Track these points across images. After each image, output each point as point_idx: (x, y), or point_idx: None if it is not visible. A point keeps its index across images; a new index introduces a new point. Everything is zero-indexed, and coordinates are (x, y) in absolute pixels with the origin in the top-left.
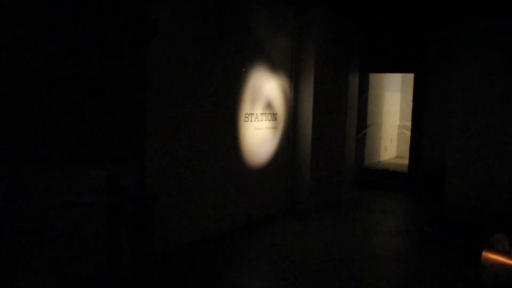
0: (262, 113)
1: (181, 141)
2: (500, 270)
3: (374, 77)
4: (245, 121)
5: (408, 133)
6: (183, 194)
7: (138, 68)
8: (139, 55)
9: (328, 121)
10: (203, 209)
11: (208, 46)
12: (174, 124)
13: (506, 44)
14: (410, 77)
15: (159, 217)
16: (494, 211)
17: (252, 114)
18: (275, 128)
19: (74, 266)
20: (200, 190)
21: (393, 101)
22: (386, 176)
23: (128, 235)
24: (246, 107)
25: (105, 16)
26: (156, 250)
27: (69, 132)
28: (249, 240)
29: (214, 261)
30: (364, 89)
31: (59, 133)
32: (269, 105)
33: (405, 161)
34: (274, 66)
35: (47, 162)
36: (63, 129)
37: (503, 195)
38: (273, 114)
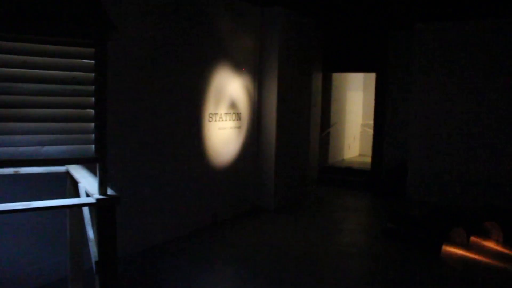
0: (226, 113)
1: (144, 141)
2: (458, 262)
3: (337, 77)
4: (209, 121)
5: (370, 132)
6: (148, 195)
7: (98, 67)
8: (99, 55)
9: (292, 120)
10: (168, 210)
11: (171, 46)
12: (136, 124)
13: (459, 44)
14: (372, 76)
15: (123, 219)
16: (455, 206)
17: (216, 114)
18: (239, 127)
19: (35, 270)
20: (165, 190)
21: (355, 100)
22: (349, 174)
23: (91, 237)
24: (210, 107)
25: (61, 13)
26: (121, 252)
27: (27, 131)
28: (215, 239)
29: (180, 262)
30: (327, 88)
31: (18, 132)
32: (233, 105)
33: (368, 159)
34: (238, 66)
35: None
36: (21, 128)
37: (464, 191)
38: (237, 113)
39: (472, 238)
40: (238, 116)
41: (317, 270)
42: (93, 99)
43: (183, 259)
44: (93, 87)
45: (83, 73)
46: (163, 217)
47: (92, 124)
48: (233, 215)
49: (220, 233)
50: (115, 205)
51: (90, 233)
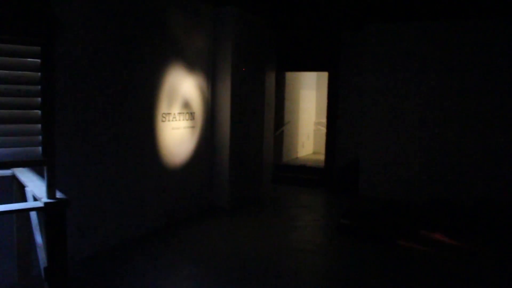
0: (179, 113)
1: (96, 142)
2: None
3: (290, 76)
4: (163, 121)
5: (323, 130)
6: (100, 197)
7: (45, 66)
8: (46, 53)
9: (246, 119)
10: (121, 211)
11: (122, 45)
12: (87, 125)
13: (409, 44)
14: (324, 75)
15: (75, 221)
16: (406, 201)
17: (169, 113)
18: (193, 127)
19: None
20: (117, 192)
21: (309, 99)
22: (303, 172)
23: (39, 243)
24: (163, 107)
25: (5, 9)
26: (73, 256)
27: None
28: (170, 240)
29: (135, 264)
30: (280, 87)
31: None
32: (186, 105)
33: (322, 157)
34: (191, 65)
35: None
36: None
37: (414, 185)
38: (191, 113)
39: (422, 232)
40: (192, 115)
41: (273, 267)
42: (39, 99)
43: (138, 261)
44: (39, 87)
45: (28, 73)
46: (117, 219)
47: (39, 126)
48: (188, 215)
49: (175, 233)
50: (64, 208)
51: (38, 239)
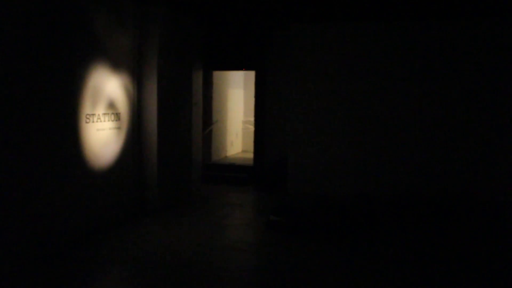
0: (104, 113)
1: (12, 146)
2: None
3: (217, 75)
4: (86, 122)
5: (252, 128)
6: (22, 201)
7: None
8: None
9: (173, 118)
10: (46, 216)
11: (40, 44)
12: (3, 129)
13: (334, 44)
14: (252, 74)
15: None
16: (333, 197)
17: (93, 114)
18: (119, 128)
19: None
20: (39, 197)
21: (236, 98)
22: (233, 171)
23: None
24: (86, 108)
25: None
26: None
27: None
28: (99, 243)
29: (64, 268)
30: (208, 86)
31: None
32: (111, 105)
33: (251, 155)
34: (116, 65)
35: None
36: None
37: (339, 181)
38: (116, 114)
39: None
40: (117, 116)
41: (204, 266)
42: None
43: (66, 266)
44: None
45: None
46: (40, 225)
47: None
48: (117, 217)
49: (104, 236)
50: None
51: None
